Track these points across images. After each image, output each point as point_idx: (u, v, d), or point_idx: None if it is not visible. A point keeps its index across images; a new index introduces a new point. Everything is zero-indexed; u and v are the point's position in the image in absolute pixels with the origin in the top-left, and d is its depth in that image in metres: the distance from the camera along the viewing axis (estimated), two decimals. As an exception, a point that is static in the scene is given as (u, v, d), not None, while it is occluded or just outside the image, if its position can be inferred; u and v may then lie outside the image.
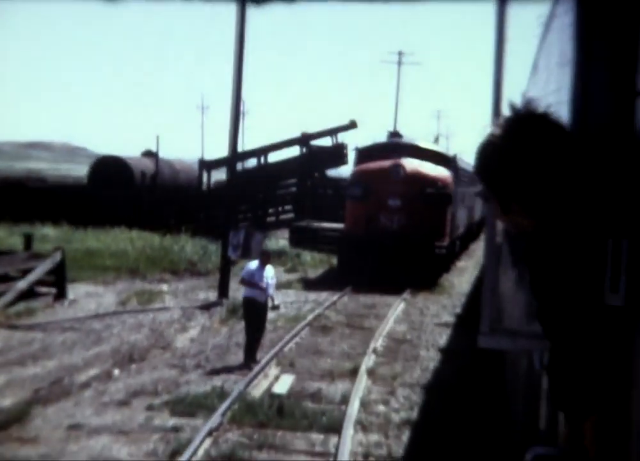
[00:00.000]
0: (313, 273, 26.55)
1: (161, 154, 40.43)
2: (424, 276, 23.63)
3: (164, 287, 23.06)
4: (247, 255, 20.94)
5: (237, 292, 21.79)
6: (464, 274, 29.01)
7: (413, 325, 18.30)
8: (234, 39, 20.77)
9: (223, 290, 20.93)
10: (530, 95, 6.36)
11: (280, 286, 23.07)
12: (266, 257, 13.85)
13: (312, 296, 21.92)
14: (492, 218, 3.61)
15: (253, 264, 13.76)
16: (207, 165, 34.50)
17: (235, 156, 22.68)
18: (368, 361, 14.12)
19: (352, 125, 33.80)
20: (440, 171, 24.73)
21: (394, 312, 19.56)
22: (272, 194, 34.86)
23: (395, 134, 26.07)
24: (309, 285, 23.77)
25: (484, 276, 3.81)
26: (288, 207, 35.58)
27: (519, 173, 2.01)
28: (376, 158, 24.64)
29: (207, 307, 19.84)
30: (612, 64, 2.46)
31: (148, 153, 41.91)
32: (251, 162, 35.71)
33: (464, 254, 36.25)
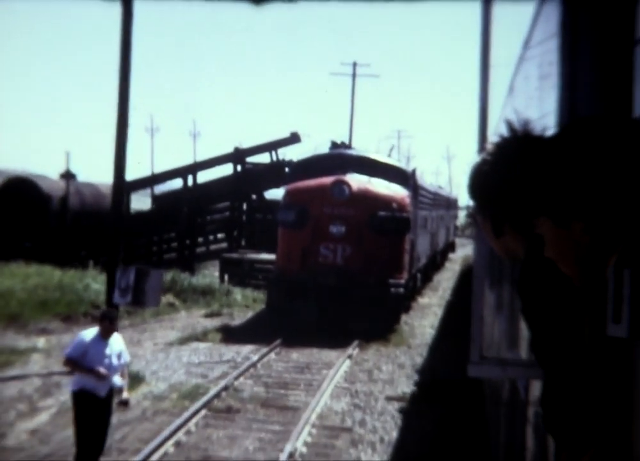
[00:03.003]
0: (241, 318, 21.41)
1: (94, 177, 34.92)
2: (375, 322, 18.66)
3: (41, 341, 17.82)
4: (140, 300, 15.79)
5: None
6: (427, 315, 24.05)
7: (358, 400, 13.26)
8: (119, 46, 15.66)
9: (108, 348, 15.76)
10: (507, 115, 4.94)
11: (191, 338, 18.02)
12: (108, 324, 8.63)
13: (230, 352, 16.81)
14: (481, 243, 3.66)
15: (89, 334, 8.60)
16: (126, 187, 29.19)
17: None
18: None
19: (294, 138, 28.80)
20: (395, 190, 19.81)
21: (333, 377, 14.52)
22: (201, 221, 29.74)
23: (339, 145, 21.14)
24: (231, 335, 18.63)
25: (472, 307, 3.53)
26: (221, 235, 30.52)
27: (514, 192, 1.96)
28: (315, 174, 19.69)
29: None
30: (600, 73, 2.48)
31: (67, 175, 36.53)
32: (179, 184, 30.47)
33: (427, 287, 31.36)
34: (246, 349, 17.14)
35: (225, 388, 13.19)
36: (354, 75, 49.98)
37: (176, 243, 29.52)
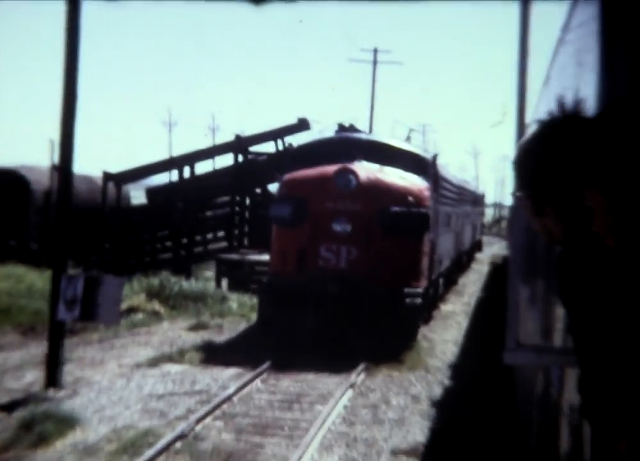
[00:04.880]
0: (231, 331, 18.29)
1: (91, 169, 31.86)
2: (387, 340, 15.49)
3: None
4: (91, 316, 12.74)
5: (82, 377, 13.61)
6: (450, 326, 20.81)
7: (355, 452, 10.10)
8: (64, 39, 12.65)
9: (52, 375, 12.74)
10: (541, 106, 6.11)
11: (165, 359, 14.97)
12: None
13: (207, 378, 13.71)
14: (518, 227, 3.83)
15: None
16: (116, 179, 26.23)
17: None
18: None
19: (302, 125, 25.59)
20: (411, 181, 16.60)
21: (328, 416, 11.37)
22: (199, 217, 26.63)
23: (346, 128, 17.95)
24: (213, 354, 15.51)
25: (508, 295, 3.61)
26: (220, 234, 27.42)
27: (556, 172, 2.00)
28: (317, 162, 16.53)
29: (9, 406, 11.61)
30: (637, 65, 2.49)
31: (54, 166, 33.52)
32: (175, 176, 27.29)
33: (451, 291, 28.10)
34: (227, 373, 14.04)
35: (181, 436, 10.08)
36: (375, 62, 46.70)
37: (170, 242, 26.42)
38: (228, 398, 12.08)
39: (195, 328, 18.20)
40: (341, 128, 17.93)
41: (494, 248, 58.22)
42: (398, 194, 15.97)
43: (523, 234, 5.02)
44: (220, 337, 17.35)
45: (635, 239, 1.77)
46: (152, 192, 26.80)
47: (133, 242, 25.94)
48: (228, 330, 18.30)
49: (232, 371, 14.19)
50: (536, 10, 3.73)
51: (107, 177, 26.18)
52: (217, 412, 11.43)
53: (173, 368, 14.40)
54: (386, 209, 15.78)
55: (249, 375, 13.60)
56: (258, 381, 13.47)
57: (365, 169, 16.14)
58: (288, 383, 13.58)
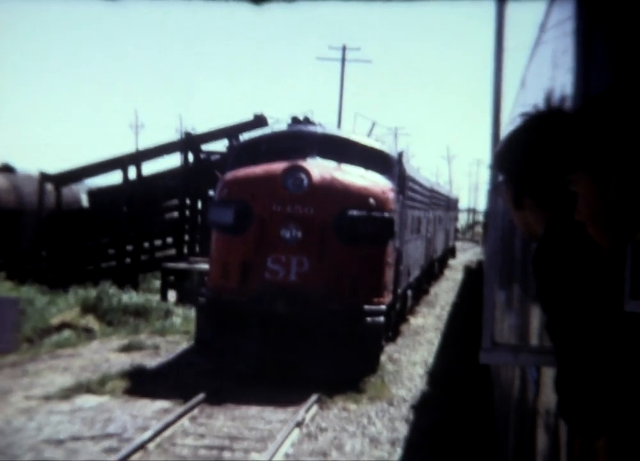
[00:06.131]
0: (168, 352, 16.00)
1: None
2: (344, 366, 13.31)
3: None
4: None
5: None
6: (420, 344, 18.67)
7: None
8: None
9: None
10: (518, 109, 5.60)
11: (82, 389, 12.71)
12: None
13: (126, 415, 11.43)
14: (494, 226, 3.61)
15: None
16: (54, 180, 23.82)
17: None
18: None
19: (258, 122, 23.30)
20: (374, 181, 14.41)
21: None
22: (146, 222, 24.26)
23: (300, 121, 15.73)
24: (141, 383, 13.22)
25: (484, 293, 3.45)
26: (170, 240, 25.10)
27: (540, 161, 2.02)
28: (265, 159, 14.31)
29: None
30: (616, 58, 2.44)
31: (5, 168, 31.07)
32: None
33: (422, 302, 26.00)
34: (152, 408, 11.79)
35: (66, 506, 7.83)
36: (343, 60, 44.59)
37: (114, 250, 24.03)
38: (142, 446, 9.82)
39: (127, 349, 15.88)
40: (294, 121, 15.71)
41: (468, 254, 56.25)
42: (357, 196, 13.77)
43: (499, 232, 4.98)
44: (154, 361, 15.04)
45: (620, 224, 1.74)
46: (94, 194, 24.41)
47: (74, 249, 23.53)
48: (165, 351, 16.01)
49: (158, 405, 11.94)
50: (512, 10, 3.51)
51: (45, 177, 23.77)
52: (125, 467, 9.17)
53: (89, 401, 12.11)
54: (343, 213, 13.58)
55: (176, 411, 11.35)
56: (185, 420, 11.21)
57: (319, 168, 13.94)
58: (223, 421, 11.34)
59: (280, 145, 14.68)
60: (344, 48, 45.05)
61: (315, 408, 12.17)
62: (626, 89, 1.81)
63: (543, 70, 4.18)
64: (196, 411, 11.61)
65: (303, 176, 13.63)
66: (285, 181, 13.60)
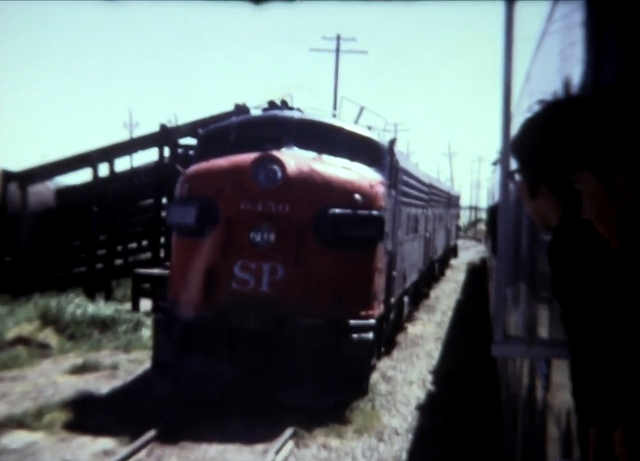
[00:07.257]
0: (127, 373, 13.93)
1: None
2: (326, 390, 11.29)
3: None
4: None
5: None
6: (418, 357, 16.64)
7: None
8: None
9: None
10: (524, 102, 5.77)
11: (13, 422, 10.71)
12: None
13: (57, 459, 9.41)
14: (506, 216, 3.54)
15: None
16: (19, 178, 21.80)
17: None
18: None
19: (240, 112, 21.16)
20: (360, 173, 12.36)
21: None
22: (119, 224, 22.21)
23: (277, 106, 13.67)
24: (87, 414, 11.14)
25: (494, 287, 3.35)
26: (145, 243, 23.04)
27: (557, 149, 1.97)
28: (235, 149, 12.28)
29: None
30: (627, 56, 2.37)
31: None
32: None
33: (421, 307, 23.99)
34: (90, 450, 9.76)
35: None
36: (337, 50, 42.58)
37: (85, 254, 21.99)
38: (64, 507, 7.80)
39: (81, 370, 13.82)
40: (271, 105, 13.69)
41: (470, 253, 54.18)
42: (340, 192, 11.72)
43: (511, 222, 4.77)
44: (108, 385, 12.98)
45: (625, 230, 1.71)
46: (62, 193, 22.38)
47: (41, 254, 21.51)
48: (124, 371, 13.95)
49: (98, 445, 9.92)
50: (517, 3, 3.30)
51: (8, 176, 21.74)
52: None
53: (17, 440, 10.06)
54: (323, 211, 11.52)
55: (118, 455, 9.33)
56: (129, 466, 9.19)
57: (295, 158, 11.89)
58: (176, 466, 9.32)
59: (251, 132, 12.67)
60: (338, 38, 43.05)
61: (289, 445, 10.14)
62: (636, 80, 1.79)
63: (550, 61, 4.19)
64: (142, 453, 9.58)
65: (277, 168, 11.57)
66: (255, 174, 11.56)
